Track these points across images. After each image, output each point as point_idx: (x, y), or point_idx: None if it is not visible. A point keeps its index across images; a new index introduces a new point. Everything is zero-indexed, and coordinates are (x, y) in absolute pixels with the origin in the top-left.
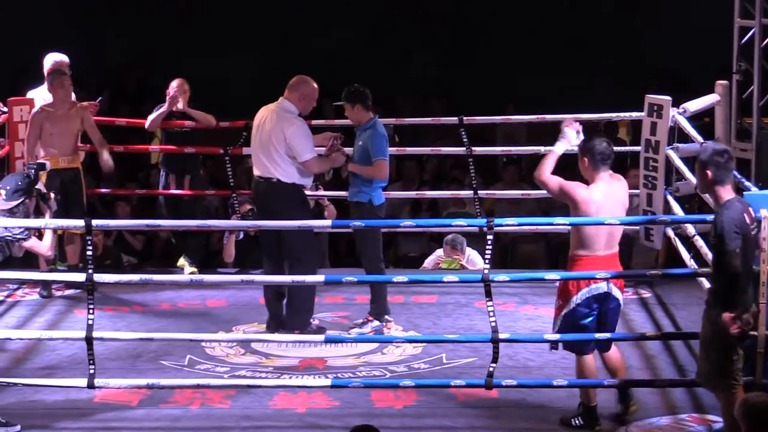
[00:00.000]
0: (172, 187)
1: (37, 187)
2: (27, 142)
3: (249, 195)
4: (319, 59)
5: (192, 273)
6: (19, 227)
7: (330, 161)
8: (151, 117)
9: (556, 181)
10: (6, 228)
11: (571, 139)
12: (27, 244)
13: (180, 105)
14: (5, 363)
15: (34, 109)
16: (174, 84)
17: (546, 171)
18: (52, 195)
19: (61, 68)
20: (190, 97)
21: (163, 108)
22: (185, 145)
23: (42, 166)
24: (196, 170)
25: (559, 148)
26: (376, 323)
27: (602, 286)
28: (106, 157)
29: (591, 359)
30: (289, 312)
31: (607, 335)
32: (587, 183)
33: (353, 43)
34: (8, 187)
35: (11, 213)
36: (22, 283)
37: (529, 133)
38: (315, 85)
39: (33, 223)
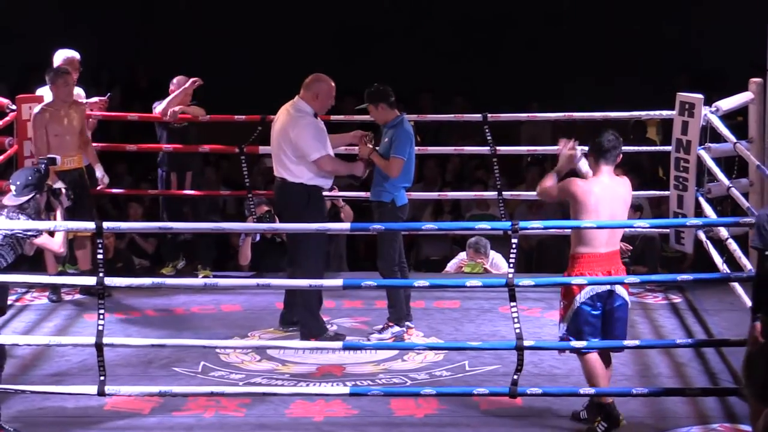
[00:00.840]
0: (174, 187)
1: (48, 182)
2: (35, 144)
3: (266, 196)
4: (335, 55)
5: (205, 276)
6: None
7: (346, 166)
8: (161, 104)
9: (552, 183)
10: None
11: (566, 163)
12: (38, 240)
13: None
14: (13, 369)
15: (35, 110)
16: (175, 81)
17: (544, 184)
18: (64, 190)
19: (64, 66)
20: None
21: (178, 91)
22: (182, 142)
23: (53, 161)
24: (198, 167)
25: (558, 169)
26: (397, 329)
27: (604, 285)
28: (100, 173)
29: (594, 358)
30: (298, 323)
31: (636, 342)
32: None
33: (372, 38)
34: (18, 182)
35: (21, 209)
36: (30, 286)
37: (554, 133)
38: (331, 83)
39: (42, 224)
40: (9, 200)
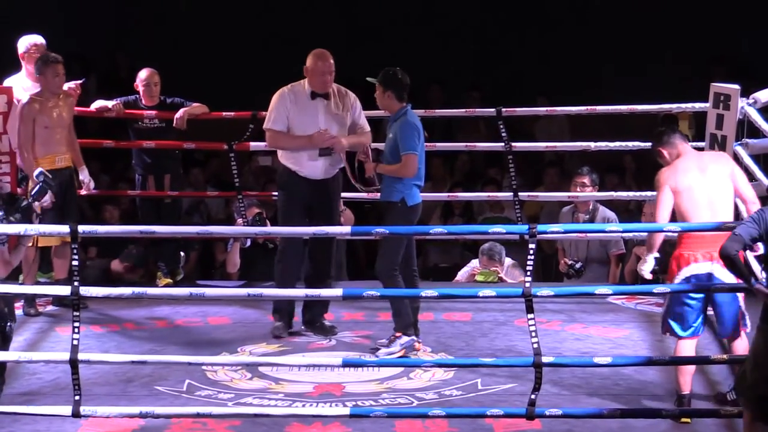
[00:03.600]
0: (152, 190)
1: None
2: (19, 138)
3: (258, 197)
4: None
5: (167, 285)
6: None
7: (298, 141)
8: (100, 102)
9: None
10: None
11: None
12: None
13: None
14: None
15: (23, 101)
16: (142, 75)
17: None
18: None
19: (53, 54)
20: (161, 90)
21: (115, 102)
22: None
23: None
24: (177, 169)
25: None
26: (405, 338)
27: (704, 267)
28: (85, 177)
29: (689, 344)
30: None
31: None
32: None
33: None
34: None
35: None
36: None
37: (572, 128)
38: (320, 59)
39: (12, 229)
40: None
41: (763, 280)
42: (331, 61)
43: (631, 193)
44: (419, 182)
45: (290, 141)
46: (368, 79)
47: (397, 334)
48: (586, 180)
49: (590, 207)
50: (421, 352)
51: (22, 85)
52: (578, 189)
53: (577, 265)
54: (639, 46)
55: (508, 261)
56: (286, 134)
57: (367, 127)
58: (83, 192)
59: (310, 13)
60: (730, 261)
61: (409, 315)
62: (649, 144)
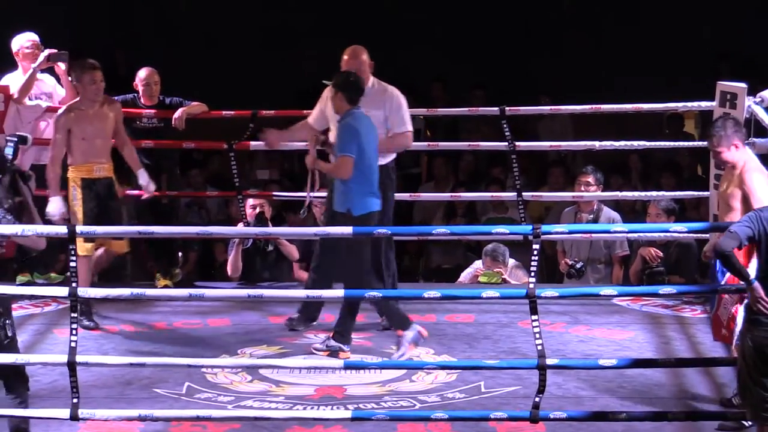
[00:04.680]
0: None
1: (15, 163)
2: (52, 151)
3: (258, 196)
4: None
5: (166, 286)
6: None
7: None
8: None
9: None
10: None
11: None
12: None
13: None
14: None
15: (60, 110)
16: (142, 75)
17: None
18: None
19: (89, 60)
20: (160, 90)
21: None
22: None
23: (23, 140)
24: (173, 169)
25: None
26: (409, 334)
27: None
28: (143, 180)
29: None
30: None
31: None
32: None
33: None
34: None
35: None
36: None
37: (576, 128)
38: (348, 57)
39: (7, 229)
40: None
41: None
42: (363, 57)
43: (636, 194)
44: (369, 190)
45: (290, 135)
46: (324, 81)
47: (399, 333)
48: (591, 179)
49: (594, 207)
50: (424, 354)
51: (19, 83)
52: (582, 188)
53: (578, 265)
54: (644, 45)
55: (511, 262)
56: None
57: (404, 127)
58: (145, 195)
59: (311, 12)
60: (725, 258)
61: (399, 310)
62: (653, 143)
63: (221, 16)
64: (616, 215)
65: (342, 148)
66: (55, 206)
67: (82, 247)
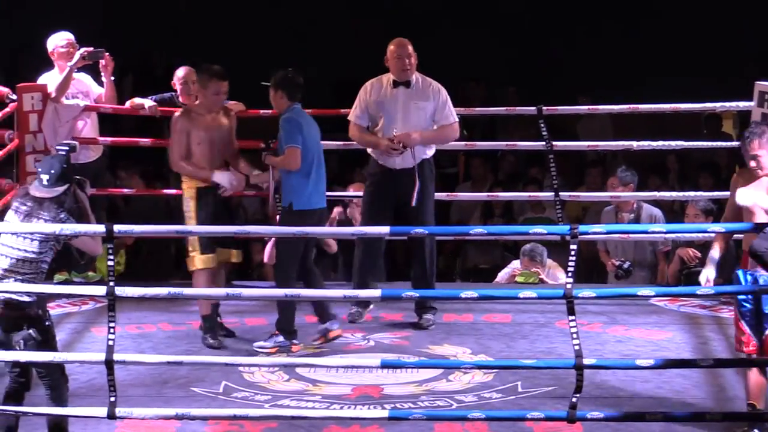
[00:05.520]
0: None
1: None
2: (174, 153)
3: None
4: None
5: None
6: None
7: (372, 143)
8: (137, 100)
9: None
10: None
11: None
12: (75, 240)
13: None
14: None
15: (177, 113)
16: (180, 73)
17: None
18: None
19: (218, 68)
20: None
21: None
22: None
23: (73, 148)
24: None
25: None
26: (281, 339)
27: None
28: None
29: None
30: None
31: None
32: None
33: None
34: (52, 171)
35: (59, 202)
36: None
37: (616, 127)
38: (393, 48)
39: (48, 228)
40: (39, 191)
41: None
42: (408, 49)
43: (674, 194)
44: (312, 185)
45: (360, 138)
46: (263, 83)
47: (276, 332)
48: (615, 181)
49: (634, 206)
50: (461, 354)
51: (55, 82)
52: (611, 189)
53: (626, 265)
54: (677, 48)
55: (549, 263)
56: (360, 128)
57: (451, 119)
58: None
59: (365, 9)
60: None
61: (292, 320)
62: (691, 143)
63: (257, 13)
64: (657, 212)
65: (287, 140)
66: (224, 177)
67: (200, 260)
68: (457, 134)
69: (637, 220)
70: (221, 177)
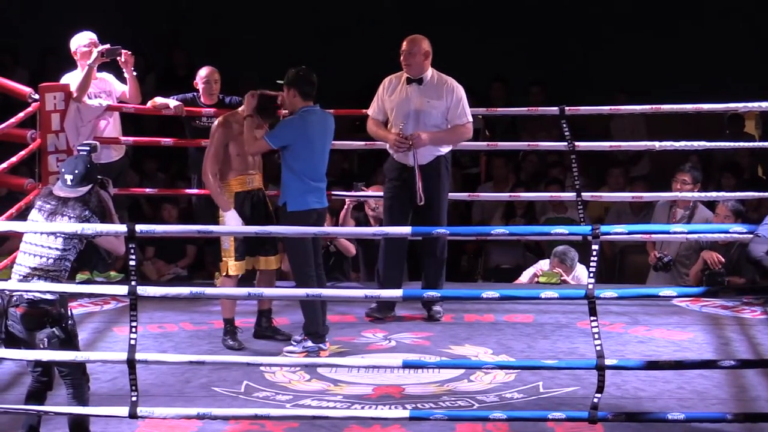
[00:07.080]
0: None
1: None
2: (211, 164)
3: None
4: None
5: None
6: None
7: (383, 138)
8: (160, 99)
9: None
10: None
11: None
12: (99, 239)
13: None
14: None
15: (215, 123)
16: (203, 73)
17: None
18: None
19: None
20: (220, 89)
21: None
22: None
23: (94, 148)
24: None
25: None
26: (310, 344)
27: None
28: None
29: None
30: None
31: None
32: None
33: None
34: (76, 171)
35: (84, 202)
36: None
37: (649, 127)
38: (404, 44)
39: (70, 227)
40: (63, 191)
41: None
42: (421, 45)
43: (697, 194)
44: (309, 187)
45: (375, 132)
46: (278, 81)
47: (305, 337)
48: (687, 177)
49: (690, 203)
50: (483, 354)
51: (77, 82)
52: (679, 186)
53: (666, 259)
54: (699, 47)
55: (579, 268)
56: (376, 123)
57: (464, 119)
58: None
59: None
60: (756, 264)
61: (319, 321)
62: (714, 144)
63: (278, 12)
64: (710, 214)
65: (271, 133)
66: (232, 220)
67: (233, 266)
68: (470, 134)
69: (690, 217)
70: (231, 218)
